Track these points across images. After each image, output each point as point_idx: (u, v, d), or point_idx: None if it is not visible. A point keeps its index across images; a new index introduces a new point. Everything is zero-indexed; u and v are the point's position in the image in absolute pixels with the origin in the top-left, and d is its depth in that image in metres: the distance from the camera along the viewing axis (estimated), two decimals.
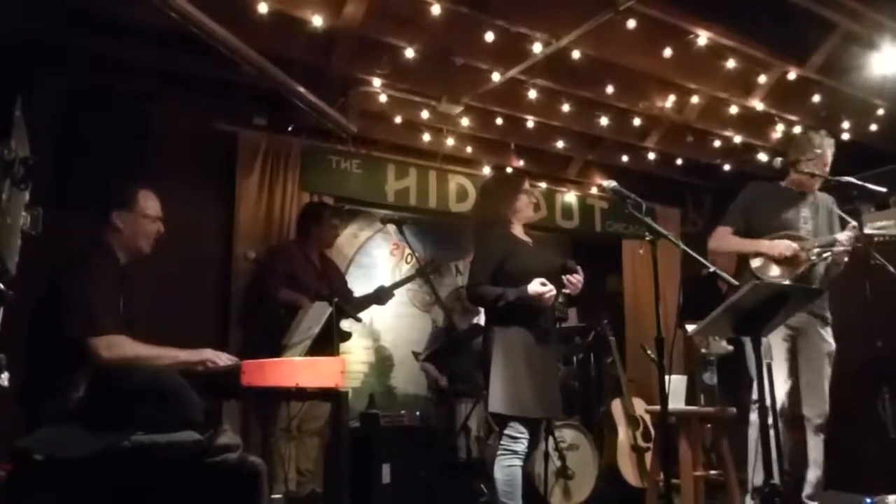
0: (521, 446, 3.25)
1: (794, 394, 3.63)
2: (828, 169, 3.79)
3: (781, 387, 3.52)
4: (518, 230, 3.56)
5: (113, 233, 2.80)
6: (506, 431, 3.26)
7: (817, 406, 3.60)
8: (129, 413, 1.59)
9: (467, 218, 4.97)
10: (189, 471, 1.57)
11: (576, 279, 3.31)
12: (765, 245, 3.67)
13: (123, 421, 1.57)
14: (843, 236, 3.58)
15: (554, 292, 3.25)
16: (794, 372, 3.63)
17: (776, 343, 3.54)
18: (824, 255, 3.61)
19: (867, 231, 3.45)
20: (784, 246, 3.61)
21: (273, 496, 3.56)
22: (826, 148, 3.77)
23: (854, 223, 3.55)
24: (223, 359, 2.79)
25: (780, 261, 3.62)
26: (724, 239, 3.79)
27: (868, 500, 3.95)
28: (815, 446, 3.59)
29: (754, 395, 3.20)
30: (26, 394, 2.52)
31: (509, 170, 5.65)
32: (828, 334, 3.68)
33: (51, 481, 1.48)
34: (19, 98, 1.52)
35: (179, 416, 1.65)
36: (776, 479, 2.80)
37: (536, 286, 3.23)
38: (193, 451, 1.58)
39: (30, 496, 1.48)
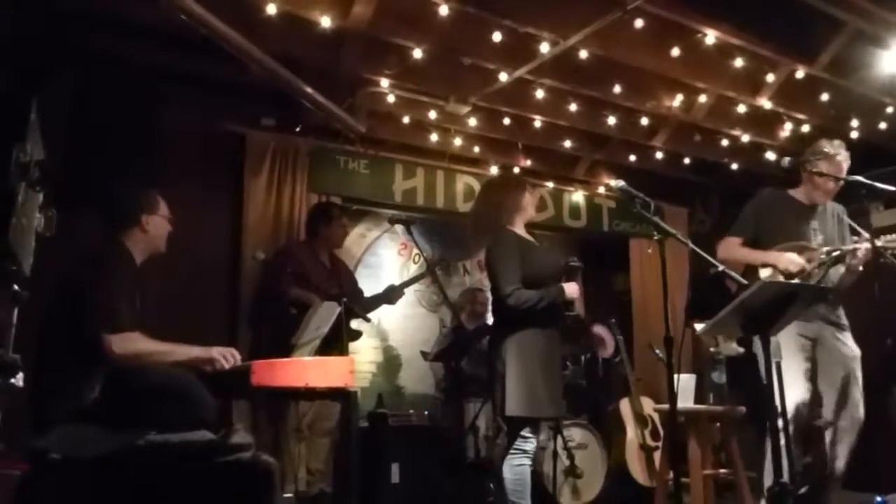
0: (531, 445, 3.32)
1: (814, 402, 3.60)
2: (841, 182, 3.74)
3: (799, 394, 3.49)
4: (522, 230, 3.57)
5: (140, 234, 2.91)
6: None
7: (845, 411, 3.55)
8: (144, 413, 1.61)
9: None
10: (203, 470, 1.58)
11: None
12: (773, 257, 3.64)
13: (138, 420, 1.58)
14: (859, 247, 3.54)
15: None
16: (812, 380, 3.59)
17: (793, 352, 3.51)
18: (833, 253, 3.59)
19: (879, 244, 3.43)
20: (787, 260, 3.58)
21: (284, 495, 3.58)
22: (843, 161, 3.73)
23: (867, 235, 3.53)
24: (230, 358, 2.83)
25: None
26: (734, 250, 3.75)
27: (879, 499, 3.94)
28: (839, 451, 3.56)
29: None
30: (37, 393, 2.56)
31: (516, 170, 5.67)
32: (847, 339, 3.64)
33: (67, 481, 1.50)
34: (35, 102, 1.54)
35: (193, 416, 1.66)
36: (786, 479, 2.79)
37: (573, 288, 3.35)
38: (207, 450, 1.59)
39: (46, 496, 1.49)
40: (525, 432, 3.29)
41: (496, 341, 3.38)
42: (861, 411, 3.55)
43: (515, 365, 3.26)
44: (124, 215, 2.91)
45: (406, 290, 4.90)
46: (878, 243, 3.44)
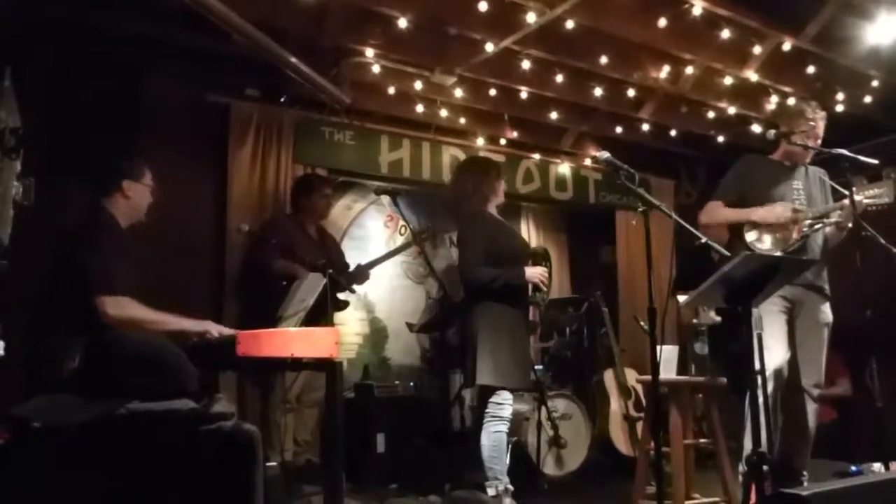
0: (507, 412, 3.46)
1: (794, 365, 3.65)
2: (819, 141, 3.78)
3: (781, 358, 3.55)
4: (494, 212, 3.79)
5: (121, 200, 2.96)
6: (492, 399, 3.45)
7: (814, 376, 3.64)
8: (125, 381, 1.61)
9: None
10: (184, 438, 1.59)
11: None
12: (759, 213, 3.65)
13: (119, 389, 1.59)
14: (841, 206, 3.56)
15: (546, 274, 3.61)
16: (792, 343, 3.65)
17: (772, 315, 3.56)
18: (816, 226, 3.63)
19: (857, 197, 3.44)
20: (780, 210, 3.60)
21: (268, 464, 3.61)
22: (818, 121, 3.76)
23: (847, 193, 3.55)
24: (224, 331, 2.87)
25: (774, 231, 3.63)
26: (716, 211, 3.78)
27: (853, 468, 4.02)
28: (810, 415, 3.63)
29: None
30: (29, 361, 2.57)
31: (503, 141, 5.66)
32: (826, 307, 3.70)
33: (47, 449, 1.50)
34: (8, 69, 1.51)
35: (175, 385, 1.67)
36: (764, 447, 2.84)
37: (535, 270, 3.56)
38: (188, 418, 1.61)
39: (26, 463, 1.50)
40: (499, 399, 3.43)
41: (465, 314, 3.58)
42: (821, 374, 3.66)
43: (488, 337, 3.43)
44: (106, 180, 2.96)
45: (391, 262, 5.10)
46: (859, 198, 3.44)
